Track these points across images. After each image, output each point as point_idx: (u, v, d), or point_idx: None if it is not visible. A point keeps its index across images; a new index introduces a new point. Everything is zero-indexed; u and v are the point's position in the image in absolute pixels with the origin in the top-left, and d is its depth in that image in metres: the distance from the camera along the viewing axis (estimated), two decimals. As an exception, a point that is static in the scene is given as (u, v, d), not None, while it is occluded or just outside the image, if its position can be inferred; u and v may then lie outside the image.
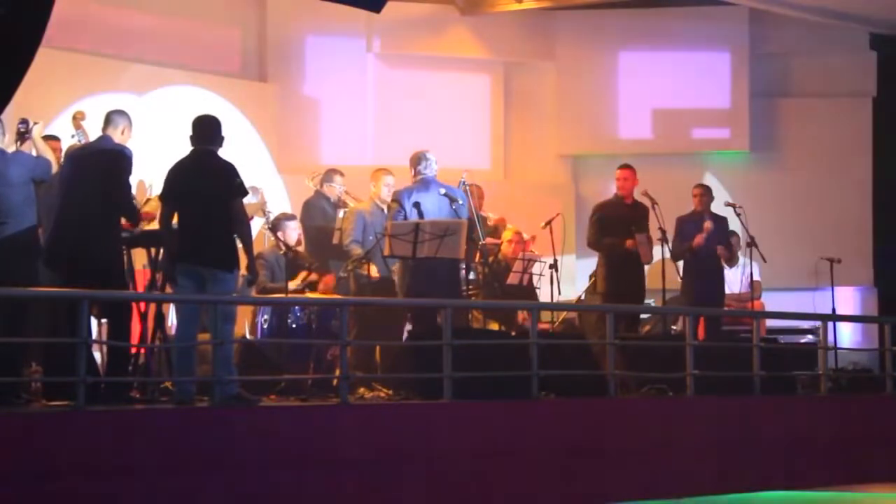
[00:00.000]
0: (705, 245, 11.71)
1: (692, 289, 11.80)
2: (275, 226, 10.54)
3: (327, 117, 13.84)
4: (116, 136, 8.55)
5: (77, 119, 9.24)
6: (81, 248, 8.21)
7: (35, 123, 8.69)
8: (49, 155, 8.59)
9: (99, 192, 8.32)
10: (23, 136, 8.69)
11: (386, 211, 10.77)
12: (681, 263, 12.03)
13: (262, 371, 9.29)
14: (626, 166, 11.54)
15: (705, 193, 12.01)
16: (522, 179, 14.85)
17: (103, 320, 8.96)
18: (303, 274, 10.51)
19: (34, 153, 8.58)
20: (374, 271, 10.49)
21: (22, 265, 8.16)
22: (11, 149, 8.52)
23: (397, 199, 10.13)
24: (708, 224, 11.73)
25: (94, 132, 8.83)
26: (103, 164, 8.41)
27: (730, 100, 14.93)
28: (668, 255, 11.69)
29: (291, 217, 10.89)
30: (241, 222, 8.33)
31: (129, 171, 8.53)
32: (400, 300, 10.18)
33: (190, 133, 8.44)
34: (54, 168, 8.62)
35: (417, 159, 10.20)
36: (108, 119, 8.61)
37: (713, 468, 9.57)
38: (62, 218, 8.34)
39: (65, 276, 8.16)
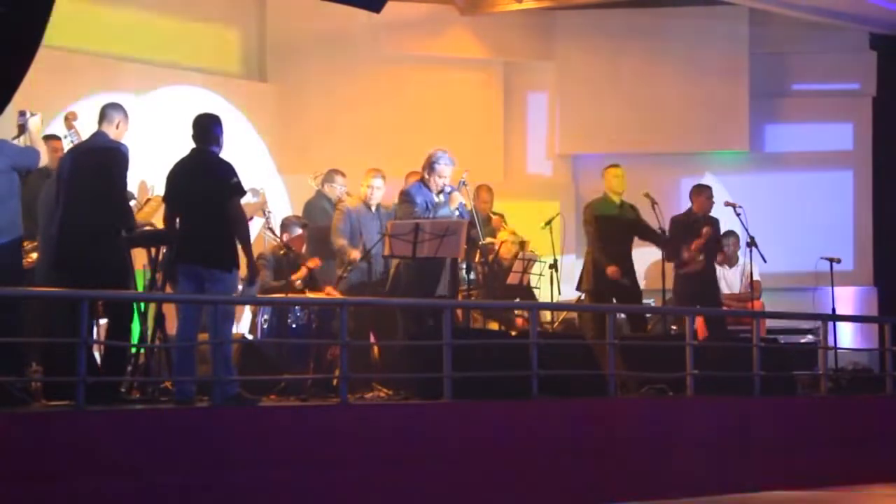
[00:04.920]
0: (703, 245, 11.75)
1: (685, 288, 11.80)
2: (283, 225, 10.55)
3: (327, 117, 13.81)
4: (111, 132, 8.49)
5: (69, 120, 9.18)
6: (92, 250, 8.16)
7: (33, 115, 8.63)
8: (41, 146, 8.51)
9: (98, 192, 8.28)
10: (22, 128, 8.65)
11: (374, 210, 10.87)
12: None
13: (262, 371, 9.29)
14: (617, 165, 11.61)
15: (712, 196, 12.03)
16: (522, 179, 14.84)
17: (102, 320, 8.94)
18: (303, 271, 10.53)
19: (28, 144, 8.50)
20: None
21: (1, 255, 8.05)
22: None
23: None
24: (707, 230, 11.74)
25: (89, 133, 8.74)
26: (100, 162, 8.35)
27: (729, 100, 14.90)
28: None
29: (304, 224, 10.92)
30: (238, 222, 8.31)
31: (125, 169, 8.46)
32: (400, 300, 10.18)
33: (192, 133, 8.46)
34: (44, 160, 8.51)
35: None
36: (103, 114, 8.56)
37: (713, 468, 9.56)
38: (66, 220, 8.27)
39: (75, 279, 8.02)
